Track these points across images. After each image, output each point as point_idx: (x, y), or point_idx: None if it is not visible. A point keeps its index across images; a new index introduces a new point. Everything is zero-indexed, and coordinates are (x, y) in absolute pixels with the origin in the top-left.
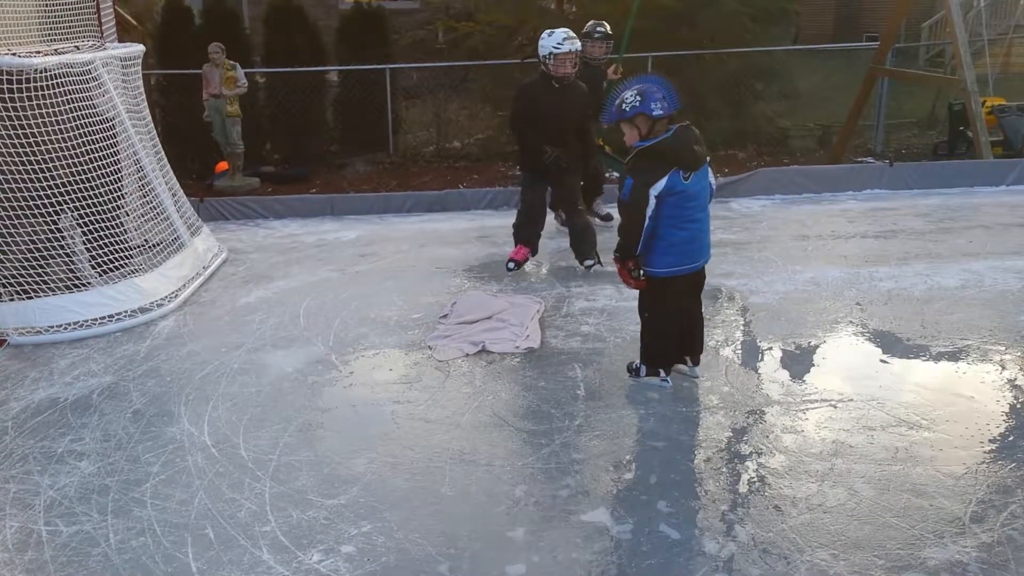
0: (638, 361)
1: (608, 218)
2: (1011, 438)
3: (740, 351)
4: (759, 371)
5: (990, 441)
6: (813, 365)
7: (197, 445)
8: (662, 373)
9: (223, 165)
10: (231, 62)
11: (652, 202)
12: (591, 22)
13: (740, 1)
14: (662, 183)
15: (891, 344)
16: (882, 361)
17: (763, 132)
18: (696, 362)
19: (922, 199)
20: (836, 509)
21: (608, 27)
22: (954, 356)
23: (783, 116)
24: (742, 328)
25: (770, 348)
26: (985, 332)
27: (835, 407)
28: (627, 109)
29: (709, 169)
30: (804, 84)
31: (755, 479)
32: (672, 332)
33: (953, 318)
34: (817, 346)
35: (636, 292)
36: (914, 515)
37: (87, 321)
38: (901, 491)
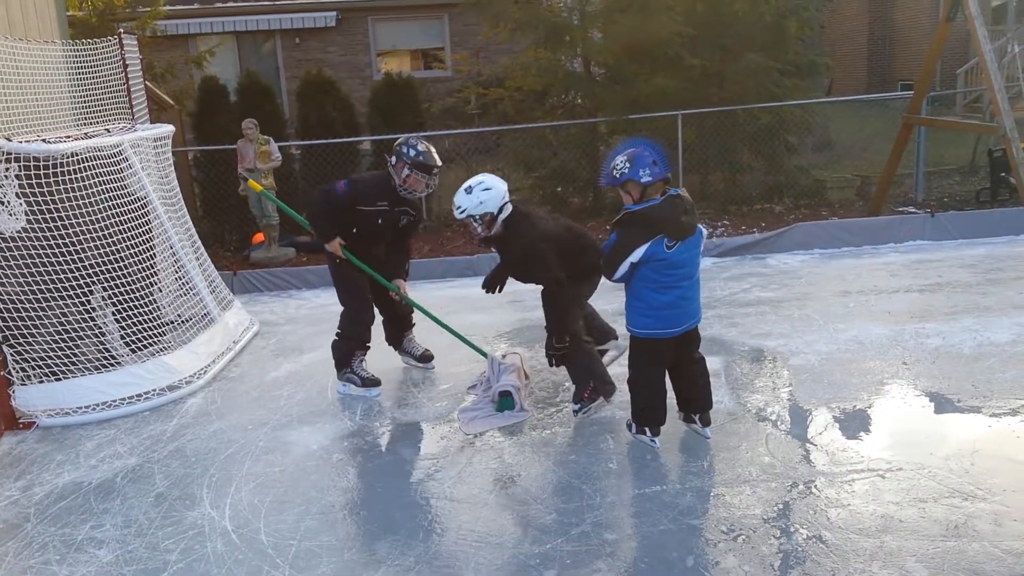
0: (630, 417)
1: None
2: None
3: (781, 417)
4: (801, 439)
5: None
6: (859, 431)
7: (217, 530)
8: (648, 432)
9: (259, 237)
10: (265, 137)
11: (626, 266)
12: (424, 146)
13: (768, 56)
14: (642, 249)
15: (941, 406)
16: (932, 425)
17: (799, 184)
18: (705, 421)
19: (967, 249)
20: None
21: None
22: (1009, 418)
23: (819, 168)
24: (783, 392)
25: (812, 413)
26: None
27: (883, 477)
28: (617, 176)
29: (703, 236)
30: (840, 135)
31: (799, 560)
32: (653, 392)
33: (1006, 376)
34: (862, 410)
35: None
36: None
37: (115, 401)
38: (957, 570)
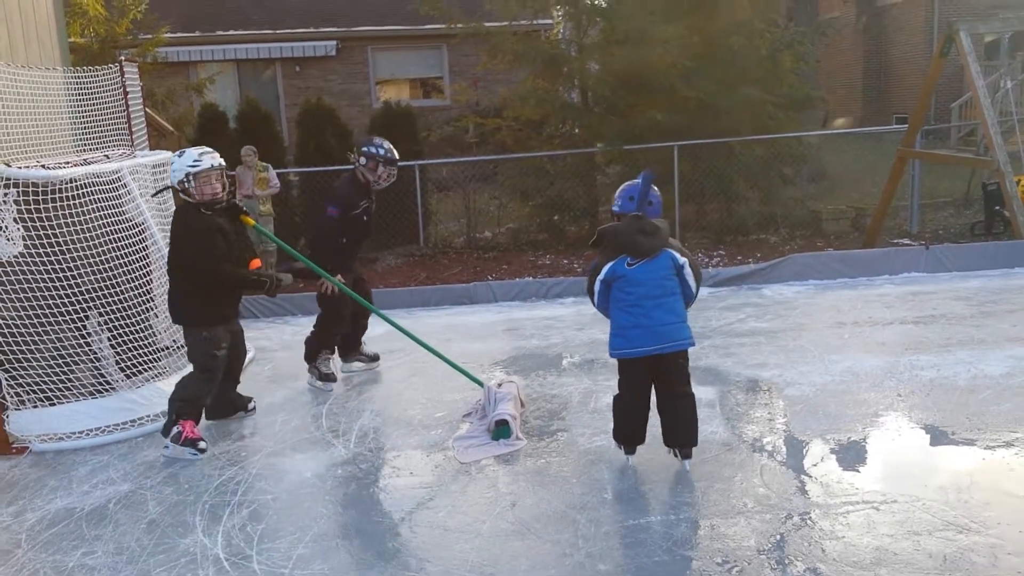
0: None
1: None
2: None
3: (776, 448)
4: (796, 470)
5: None
6: (853, 463)
7: (210, 558)
8: (623, 447)
9: (256, 263)
10: (263, 164)
11: (598, 285)
12: (387, 143)
13: (763, 89)
14: (607, 267)
15: (935, 438)
16: (926, 457)
17: (795, 216)
18: (684, 455)
19: (961, 282)
20: None
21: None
22: (1004, 450)
23: (815, 199)
24: (777, 423)
25: (807, 444)
26: None
27: (878, 509)
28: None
29: (676, 263)
30: (835, 166)
31: None
32: (627, 411)
33: (1000, 408)
34: (857, 442)
35: None
36: None
37: (109, 427)
38: None
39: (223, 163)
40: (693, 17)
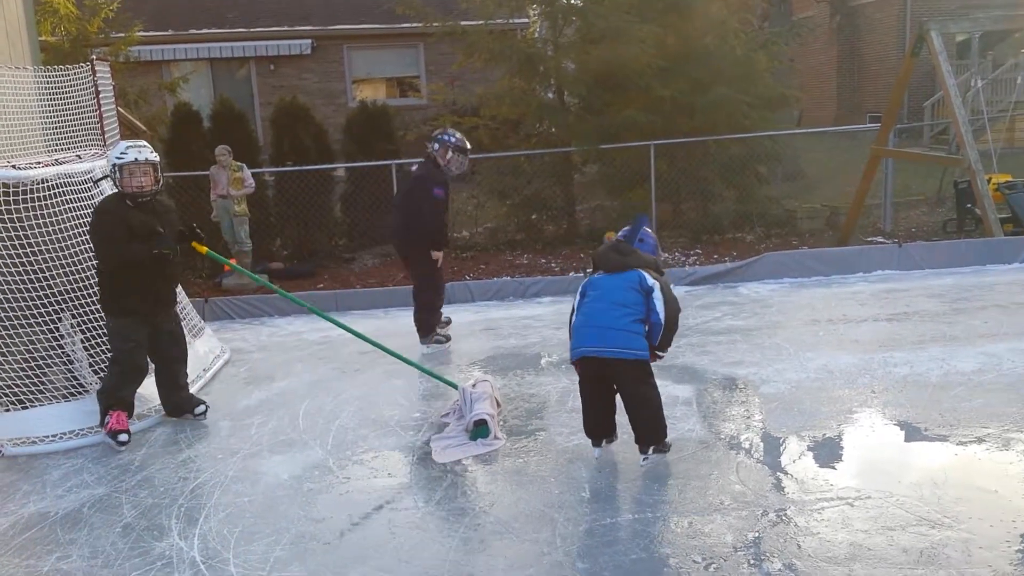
0: None
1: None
2: None
3: (752, 446)
4: (772, 467)
5: (1016, 539)
6: (828, 459)
7: (186, 561)
8: (591, 442)
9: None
10: (238, 163)
11: (577, 297)
12: (460, 134)
13: (737, 89)
14: (584, 281)
15: (908, 435)
16: (899, 453)
17: (770, 214)
18: (642, 451)
19: (934, 279)
20: None
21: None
22: (975, 446)
23: (790, 197)
24: (753, 421)
25: (783, 442)
26: (1007, 419)
27: (852, 505)
28: None
29: (644, 283)
30: (810, 165)
31: None
32: (584, 406)
33: (972, 404)
34: (832, 438)
35: None
36: None
37: (83, 430)
38: None
39: (152, 158)
40: (668, 17)
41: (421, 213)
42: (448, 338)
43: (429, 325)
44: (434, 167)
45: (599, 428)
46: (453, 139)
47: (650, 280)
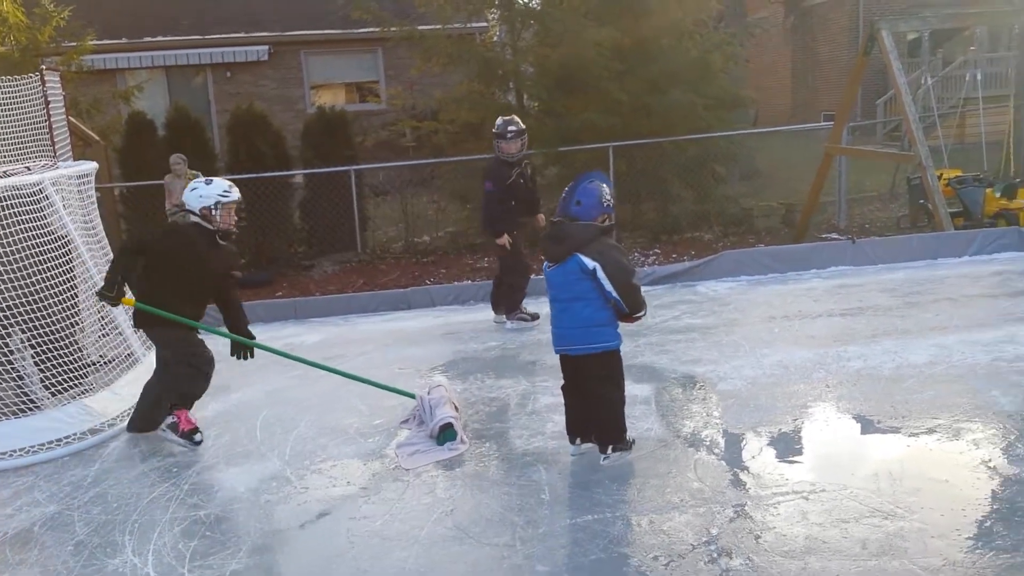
0: None
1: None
2: (988, 524)
3: (709, 443)
4: (729, 464)
5: (968, 527)
6: (784, 454)
7: None
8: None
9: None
10: (194, 172)
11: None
12: (501, 120)
13: (693, 90)
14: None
15: (862, 427)
16: (853, 446)
17: (727, 213)
18: (601, 451)
19: (887, 274)
20: None
21: (520, 123)
22: (927, 437)
23: (746, 196)
24: (711, 418)
25: (740, 438)
26: (956, 410)
27: (807, 499)
28: None
29: (584, 267)
30: (766, 164)
31: None
32: (565, 406)
33: (923, 396)
34: (787, 433)
35: None
36: None
37: (34, 447)
38: None
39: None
40: (624, 20)
41: (481, 207)
42: (535, 316)
43: (514, 302)
44: (495, 162)
45: (575, 426)
46: (496, 128)
47: (589, 262)
